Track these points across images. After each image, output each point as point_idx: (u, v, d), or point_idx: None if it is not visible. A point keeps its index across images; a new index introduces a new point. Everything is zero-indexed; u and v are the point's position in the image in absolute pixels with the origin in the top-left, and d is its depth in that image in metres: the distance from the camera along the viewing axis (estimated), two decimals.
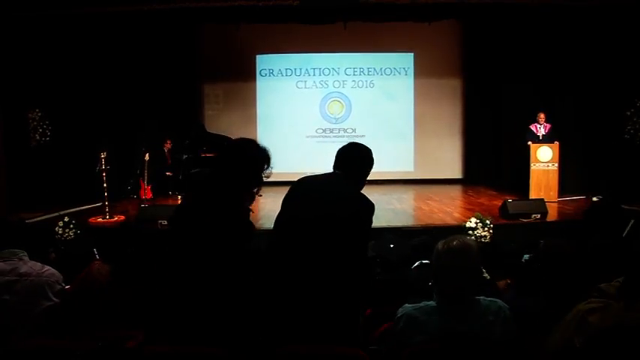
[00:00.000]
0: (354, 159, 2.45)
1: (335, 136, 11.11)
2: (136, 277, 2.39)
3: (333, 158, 2.51)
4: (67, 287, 2.39)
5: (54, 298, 2.28)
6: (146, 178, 8.48)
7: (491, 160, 10.48)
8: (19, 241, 2.45)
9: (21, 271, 2.31)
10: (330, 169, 2.49)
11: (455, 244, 1.88)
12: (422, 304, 1.92)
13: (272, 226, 2.48)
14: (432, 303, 1.92)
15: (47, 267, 2.40)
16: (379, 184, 10.64)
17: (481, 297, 1.94)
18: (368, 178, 2.52)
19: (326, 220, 2.24)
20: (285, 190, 2.45)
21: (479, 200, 8.58)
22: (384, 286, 3.06)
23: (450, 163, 11.18)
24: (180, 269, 2.08)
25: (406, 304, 1.95)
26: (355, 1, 7.72)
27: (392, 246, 4.67)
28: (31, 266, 2.35)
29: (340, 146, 2.51)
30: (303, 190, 2.43)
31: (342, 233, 2.24)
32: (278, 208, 2.49)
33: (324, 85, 11.23)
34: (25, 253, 2.40)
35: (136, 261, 2.60)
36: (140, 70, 9.47)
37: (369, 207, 2.35)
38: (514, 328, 1.89)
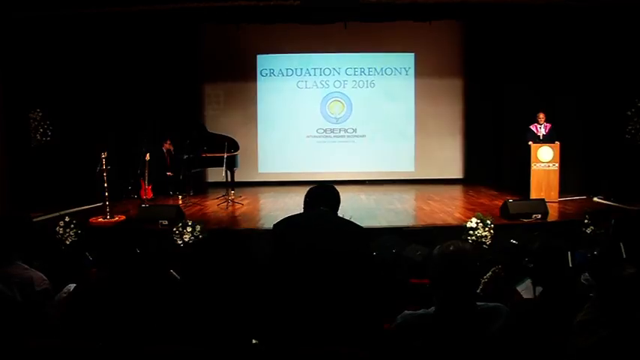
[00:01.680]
0: (334, 196, 2.71)
1: (335, 136, 11.11)
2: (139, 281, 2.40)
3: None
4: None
5: (18, 296, 2.28)
6: (147, 178, 8.48)
7: (492, 160, 10.47)
8: (19, 238, 2.46)
9: None
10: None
11: (451, 250, 1.85)
12: (421, 311, 1.89)
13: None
14: (431, 310, 1.89)
15: (29, 270, 2.39)
16: (380, 184, 10.66)
17: (482, 302, 1.91)
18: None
19: (342, 254, 2.45)
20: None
21: (480, 200, 8.57)
22: (386, 286, 3.06)
23: (450, 163, 11.18)
24: None
25: (405, 311, 1.93)
26: (356, 1, 7.71)
27: (389, 245, 4.69)
28: (12, 269, 2.35)
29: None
30: (305, 225, 2.62)
31: (353, 260, 2.46)
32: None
33: (324, 85, 11.23)
34: (19, 262, 2.41)
35: (140, 263, 2.60)
36: (141, 70, 9.48)
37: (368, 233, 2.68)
38: (516, 333, 1.87)
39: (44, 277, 2.39)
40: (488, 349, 1.79)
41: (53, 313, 2.40)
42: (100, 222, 6.80)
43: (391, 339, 1.92)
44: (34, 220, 6.80)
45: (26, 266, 2.40)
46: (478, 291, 2.62)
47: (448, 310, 1.84)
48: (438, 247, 1.90)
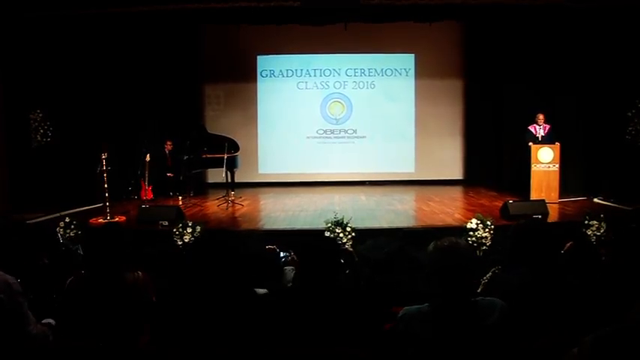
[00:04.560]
0: (328, 251, 2.70)
1: (336, 137, 11.11)
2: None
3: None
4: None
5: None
6: (147, 178, 8.48)
7: (492, 161, 10.47)
8: (15, 241, 2.47)
9: None
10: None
11: (446, 245, 1.89)
12: (422, 306, 1.92)
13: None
14: (431, 305, 1.92)
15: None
16: (380, 184, 10.67)
17: (479, 297, 1.94)
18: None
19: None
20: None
21: (480, 201, 8.57)
22: (379, 287, 3.06)
23: (450, 163, 11.18)
24: None
25: (407, 307, 1.95)
26: (356, 2, 7.72)
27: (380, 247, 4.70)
28: None
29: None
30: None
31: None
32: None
33: (324, 85, 11.23)
34: None
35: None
36: (141, 71, 9.48)
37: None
38: (514, 328, 1.89)
39: (10, 279, 2.30)
40: (484, 341, 1.81)
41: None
42: (101, 222, 6.79)
43: (392, 334, 1.94)
44: (36, 220, 6.81)
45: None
46: (479, 291, 2.63)
47: (446, 303, 1.86)
48: (432, 242, 1.94)
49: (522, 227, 2.43)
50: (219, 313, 2.09)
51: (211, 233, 5.82)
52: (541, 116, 8.31)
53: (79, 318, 2.29)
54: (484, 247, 5.91)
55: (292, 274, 3.00)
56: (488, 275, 2.71)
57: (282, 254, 3.77)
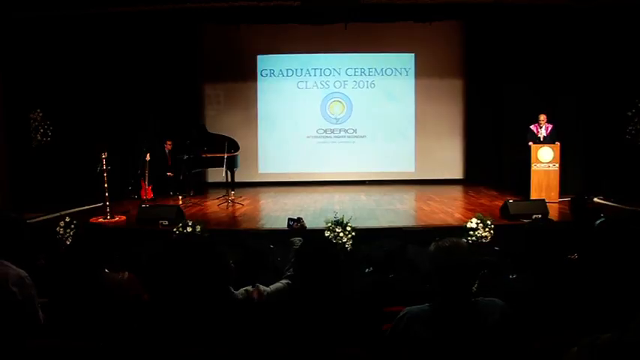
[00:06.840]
0: (330, 256, 2.69)
1: (336, 137, 11.12)
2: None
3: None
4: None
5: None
6: (147, 178, 8.48)
7: (492, 161, 10.48)
8: (14, 238, 2.46)
9: None
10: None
11: (447, 245, 1.90)
12: (423, 306, 1.92)
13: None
14: (432, 305, 1.92)
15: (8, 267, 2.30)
16: (380, 184, 10.67)
17: (479, 297, 1.94)
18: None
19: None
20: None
21: (480, 201, 8.57)
22: (378, 287, 3.06)
23: (450, 163, 11.18)
24: None
25: (408, 307, 1.96)
26: (356, 2, 7.72)
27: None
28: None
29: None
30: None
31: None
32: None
33: (324, 85, 11.23)
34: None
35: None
36: (141, 70, 9.49)
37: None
38: (514, 327, 1.89)
39: (22, 273, 2.30)
40: (485, 341, 1.82)
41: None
42: (101, 222, 6.80)
43: (393, 334, 1.94)
44: (36, 220, 6.82)
45: (7, 263, 2.30)
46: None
47: (447, 302, 1.87)
48: (433, 243, 1.95)
49: (533, 229, 2.41)
50: (194, 316, 2.10)
51: (179, 240, 5.83)
52: (543, 117, 8.28)
53: (67, 319, 2.29)
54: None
55: (300, 245, 2.87)
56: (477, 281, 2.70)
57: (289, 222, 3.59)
